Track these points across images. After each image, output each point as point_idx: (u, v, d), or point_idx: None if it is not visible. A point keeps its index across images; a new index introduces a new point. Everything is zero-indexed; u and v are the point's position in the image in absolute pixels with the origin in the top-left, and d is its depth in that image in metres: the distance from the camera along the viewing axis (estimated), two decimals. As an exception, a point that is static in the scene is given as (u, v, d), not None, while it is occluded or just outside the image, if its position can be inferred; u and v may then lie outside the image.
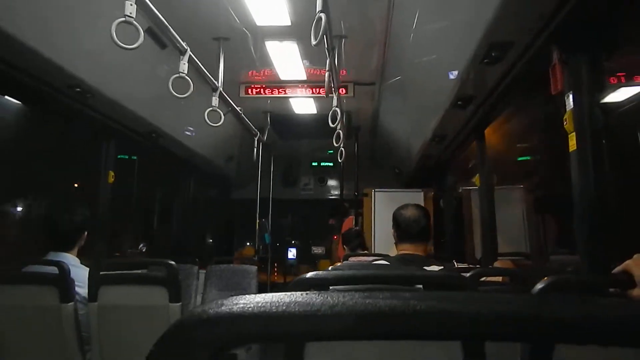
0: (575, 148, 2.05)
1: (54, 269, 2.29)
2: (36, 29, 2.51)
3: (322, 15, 2.18)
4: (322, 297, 0.38)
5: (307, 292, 0.40)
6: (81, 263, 2.55)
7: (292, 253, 7.44)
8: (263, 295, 0.40)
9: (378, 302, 0.37)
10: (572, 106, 2.07)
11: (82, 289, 2.41)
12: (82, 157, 4.44)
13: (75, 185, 4.40)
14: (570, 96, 2.09)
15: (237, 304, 0.39)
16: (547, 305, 0.36)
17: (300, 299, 0.39)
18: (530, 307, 0.37)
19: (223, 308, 0.39)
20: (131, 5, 2.04)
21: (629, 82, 2.17)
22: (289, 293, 0.40)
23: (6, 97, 3.30)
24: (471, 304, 0.37)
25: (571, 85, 2.09)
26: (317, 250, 7.75)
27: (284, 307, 0.38)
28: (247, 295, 0.40)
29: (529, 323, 0.36)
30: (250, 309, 0.38)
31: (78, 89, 3.12)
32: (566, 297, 0.39)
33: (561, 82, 2.14)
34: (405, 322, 0.37)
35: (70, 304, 2.32)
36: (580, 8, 1.96)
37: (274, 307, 0.38)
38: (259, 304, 0.39)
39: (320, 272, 1.26)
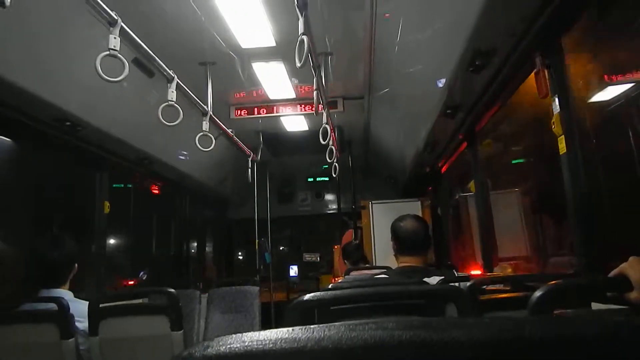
0: (565, 150, 2.06)
1: (52, 306, 2.27)
2: (23, 65, 2.53)
3: (305, 37, 2.20)
4: (307, 333, 0.39)
5: (294, 327, 0.40)
6: (80, 296, 2.53)
7: (293, 270, 7.39)
8: (250, 334, 0.40)
9: (363, 334, 0.38)
10: (558, 109, 2.09)
11: (81, 324, 2.38)
12: (77, 189, 4.43)
13: (67, 217, 4.38)
14: (556, 99, 2.11)
15: (223, 344, 0.39)
16: (530, 327, 0.36)
17: (286, 336, 0.39)
18: (514, 331, 0.37)
19: (209, 350, 0.39)
20: (115, 38, 2.06)
21: (611, 81, 2.19)
22: (275, 330, 0.40)
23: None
24: (457, 331, 0.37)
25: (556, 88, 2.11)
26: (310, 257, 7.32)
27: (271, 345, 0.38)
28: (234, 335, 0.40)
29: (513, 347, 0.36)
30: (237, 349, 0.38)
31: (68, 123, 3.13)
32: (556, 318, 0.39)
33: (546, 86, 2.16)
34: (390, 354, 0.37)
35: (71, 339, 2.29)
36: (560, 12, 1.99)
37: (260, 346, 0.38)
38: (246, 344, 0.39)
39: (318, 293, 1.25)
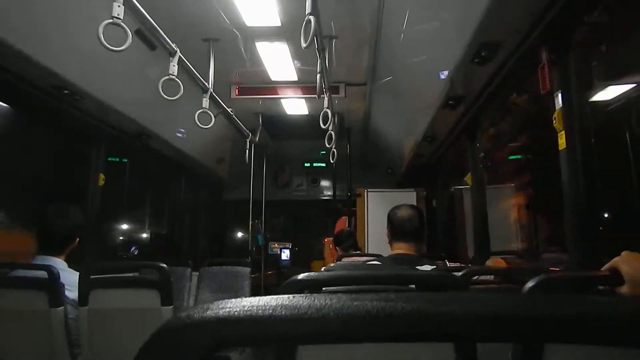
0: (564, 146, 2.06)
1: (42, 273, 2.27)
2: (23, 30, 2.49)
3: (312, 17, 2.18)
4: (309, 300, 0.38)
5: (295, 295, 0.39)
6: (72, 268, 2.52)
7: (285, 254, 7.40)
8: (250, 299, 0.40)
9: (365, 304, 0.37)
10: (560, 105, 2.09)
11: (72, 293, 2.38)
12: (73, 160, 4.41)
13: (66, 187, 4.37)
14: (559, 95, 2.11)
15: (223, 307, 0.38)
16: (536, 304, 0.36)
17: (287, 302, 0.38)
18: (518, 307, 0.37)
19: (209, 312, 0.38)
20: (119, 6, 2.03)
21: (614, 80, 2.20)
22: (276, 296, 0.39)
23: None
24: (458, 305, 0.37)
25: (560, 84, 2.11)
26: (277, 247, 6.72)
27: (271, 311, 0.38)
28: (233, 299, 0.40)
29: (518, 323, 0.36)
30: (236, 312, 0.38)
31: (66, 91, 3.10)
32: (555, 296, 0.39)
33: (550, 81, 2.16)
34: (392, 324, 0.36)
35: (60, 308, 2.29)
36: (568, 9, 1.97)
37: (260, 311, 0.38)
38: (246, 308, 0.38)
39: (312, 274, 1.26)
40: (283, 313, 0.38)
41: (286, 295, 0.39)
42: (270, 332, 0.37)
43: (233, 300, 0.40)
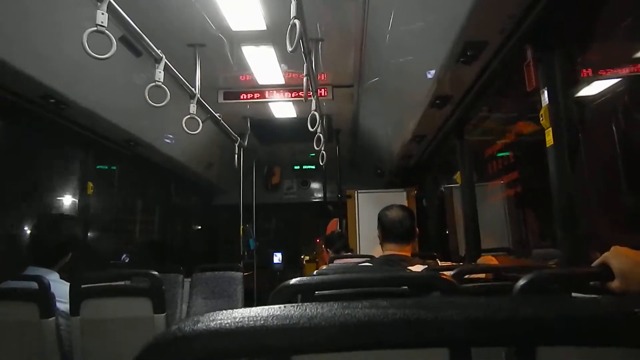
0: (552, 143, 2.08)
1: (32, 284, 2.24)
2: (7, 40, 2.47)
3: (297, 21, 2.18)
4: (300, 310, 0.38)
5: (286, 305, 0.39)
6: (62, 278, 2.49)
7: (277, 258, 7.39)
8: (241, 310, 0.39)
9: (357, 312, 0.37)
10: (547, 102, 2.11)
11: (63, 305, 2.35)
12: (61, 169, 4.36)
13: (55, 196, 4.32)
14: (545, 92, 2.13)
15: (214, 320, 0.38)
16: (526, 307, 0.36)
17: (278, 313, 0.38)
18: (509, 310, 0.37)
19: (199, 325, 0.38)
20: (102, 14, 2.01)
21: (598, 76, 2.22)
22: (267, 307, 0.39)
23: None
24: (449, 310, 0.37)
25: (545, 81, 2.13)
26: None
27: (262, 322, 0.38)
28: (224, 311, 0.40)
29: (508, 327, 0.36)
30: (227, 324, 0.38)
31: (52, 100, 3.07)
32: (546, 298, 0.39)
33: (536, 79, 2.18)
34: (384, 332, 0.36)
35: (51, 319, 2.27)
36: (551, 7, 2.00)
37: (251, 322, 0.38)
38: (237, 320, 0.38)
39: (304, 278, 1.25)
40: (275, 323, 0.37)
41: (277, 306, 0.39)
42: (262, 343, 0.37)
43: (224, 311, 0.40)
